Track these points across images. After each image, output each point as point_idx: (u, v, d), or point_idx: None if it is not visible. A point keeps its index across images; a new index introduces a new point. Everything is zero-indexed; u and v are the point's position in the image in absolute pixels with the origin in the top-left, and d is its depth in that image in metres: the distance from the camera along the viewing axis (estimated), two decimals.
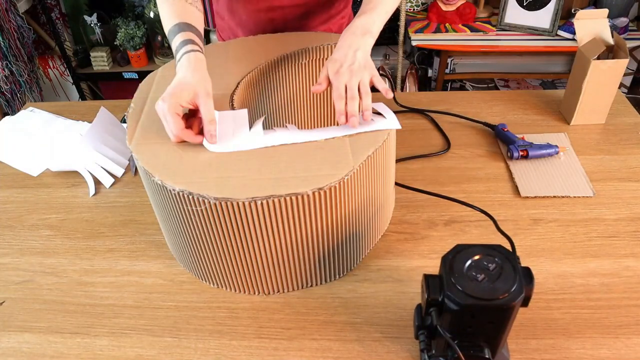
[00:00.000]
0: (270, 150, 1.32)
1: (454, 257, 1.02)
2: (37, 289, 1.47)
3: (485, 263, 1.00)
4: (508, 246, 1.41)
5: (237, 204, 1.18)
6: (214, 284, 1.43)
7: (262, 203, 1.18)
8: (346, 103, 1.36)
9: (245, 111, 1.44)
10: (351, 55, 1.41)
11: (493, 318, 0.99)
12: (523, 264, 1.01)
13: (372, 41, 1.48)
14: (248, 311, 1.37)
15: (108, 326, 1.36)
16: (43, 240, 1.62)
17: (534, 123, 1.95)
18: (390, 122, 1.38)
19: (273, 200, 1.18)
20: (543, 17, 3.66)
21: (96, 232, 1.63)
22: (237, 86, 1.56)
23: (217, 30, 2.18)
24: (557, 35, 3.66)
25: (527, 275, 0.99)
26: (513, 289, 0.95)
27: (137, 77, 4.22)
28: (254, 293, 1.40)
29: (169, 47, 4.13)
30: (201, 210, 1.21)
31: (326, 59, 1.73)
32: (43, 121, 2.08)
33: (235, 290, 1.41)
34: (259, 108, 1.70)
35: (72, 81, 4.40)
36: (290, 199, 1.18)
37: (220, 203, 1.18)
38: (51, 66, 4.47)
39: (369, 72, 1.41)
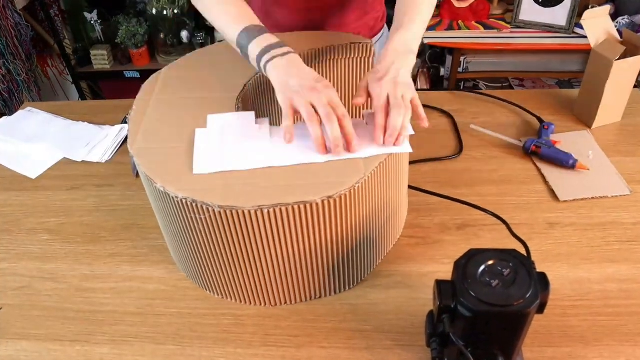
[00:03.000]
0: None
1: (467, 262, 1.02)
2: (36, 295, 1.48)
3: (499, 268, 1.00)
4: (523, 251, 1.41)
5: (243, 212, 1.17)
6: (218, 295, 1.43)
7: (268, 212, 1.17)
8: (386, 117, 1.31)
9: (252, 114, 1.44)
10: (394, 70, 1.36)
11: (507, 325, 0.99)
12: (538, 270, 1.01)
13: (414, 60, 1.45)
14: (254, 318, 1.38)
15: (109, 334, 1.36)
16: (42, 245, 1.62)
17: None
18: (402, 146, 1.36)
19: (280, 209, 1.17)
20: (559, 14, 3.66)
21: (96, 236, 1.63)
22: (244, 87, 1.56)
23: None
24: (573, 32, 3.65)
25: (542, 281, 0.99)
26: (528, 295, 0.95)
27: (139, 76, 4.22)
28: (261, 304, 1.40)
29: (172, 45, 4.13)
30: (205, 218, 1.21)
31: (340, 59, 1.73)
32: (41, 122, 2.09)
33: (241, 302, 1.41)
34: (267, 110, 1.70)
35: (71, 80, 4.40)
36: (299, 207, 1.17)
37: (225, 211, 1.17)
38: (50, 65, 4.47)
39: (412, 91, 1.36)
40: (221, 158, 1.30)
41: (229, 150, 1.33)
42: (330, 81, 1.66)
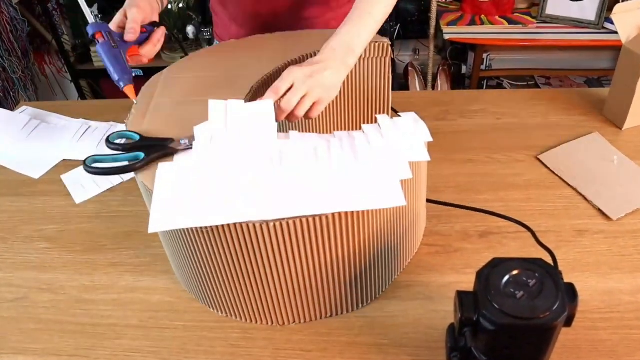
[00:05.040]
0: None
1: (490, 272, 1.02)
2: (32, 307, 1.48)
3: (524, 279, 1.00)
4: (549, 260, 1.41)
5: (247, 226, 1.15)
6: (223, 313, 1.42)
7: (274, 225, 1.15)
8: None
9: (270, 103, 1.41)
10: (319, 67, 1.42)
11: (533, 339, 0.99)
12: (566, 280, 1.01)
13: (354, 61, 1.50)
14: (264, 332, 1.37)
15: (110, 348, 1.36)
16: (39, 254, 1.62)
17: (579, 124, 1.95)
18: (419, 153, 1.33)
19: (287, 222, 1.15)
20: (588, 8, 3.65)
21: (97, 244, 1.64)
22: (251, 90, 1.55)
23: (213, 27, 2.20)
24: (603, 27, 3.65)
25: (570, 292, 0.99)
26: (555, 307, 0.95)
27: (142, 74, 4.20)
28: (268, 323, 1.39)
29: (177, 41, 4.13)
30: (207, 232, 1.19)
31: None
32: (40, 120, 2.10)
33: (246, 320, 1.40)
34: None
35: (70, 79, 4.42)
36: (307, 220, 1.15)
37: (229, 225, 1.16)
38: (47, 62, 4.49)
39: (324, 93, 1.43)
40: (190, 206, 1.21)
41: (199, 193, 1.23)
42: (343, 83, 1.66)
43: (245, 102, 1.43)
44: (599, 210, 1.62)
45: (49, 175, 1.91)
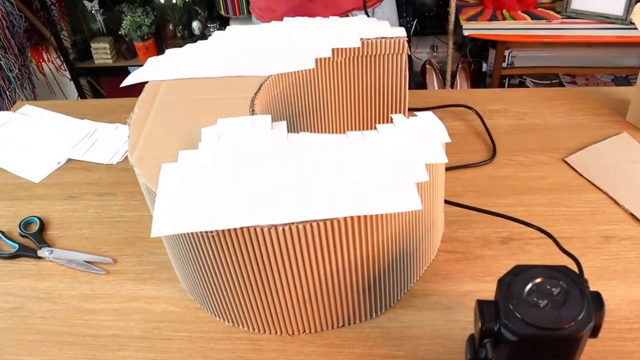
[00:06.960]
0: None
1: (512, 280, 1.02)
2: (30, 317, 1.48)
3: (548, 287, 1.00)
4: (574, 267, 1.40)
5: (255, 230, 1.14)
6: (229, 322, 1.42)
7: (283, 229, 1.14)
8: None
9: (268, 117, 1.40)
10: None
11: (557, 351, 0.99)
12: (592, 288, 1.00)
13: None
14: (273, 342, 1.37)
15: None
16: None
17: (605, 125, 1.94)
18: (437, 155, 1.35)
19: (297, 227, 1.14)
20: (615, 3, 3.64)
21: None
22: (259, 88, 1.55)
23: (251, 4, 2.23)
24: (631, 23, 3.64)
25: (596, 301, 0.99)
26: (580, 317, 0.95)
27: None
28: (278, 333, 1.39)
29: (182, 37, 4.15)
30: (212, 236, 1.18)
31: (367, 56, 1.72)
32: (40, 120, 2.10)
33: (255, 330, 1.40)
34: (284, 114, 1.69)
35: (69, 77, 4.42)
36: (318, 224, 1.14)
37: (235, 229, 1.15)
38: (46, 59, 4.50)
39: None
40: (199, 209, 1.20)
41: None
42: (343, 84, 1.67)
43: (253, 101, 1.44)
44: (631, 214, 1.61)
45: (49, 178, 1.92)
